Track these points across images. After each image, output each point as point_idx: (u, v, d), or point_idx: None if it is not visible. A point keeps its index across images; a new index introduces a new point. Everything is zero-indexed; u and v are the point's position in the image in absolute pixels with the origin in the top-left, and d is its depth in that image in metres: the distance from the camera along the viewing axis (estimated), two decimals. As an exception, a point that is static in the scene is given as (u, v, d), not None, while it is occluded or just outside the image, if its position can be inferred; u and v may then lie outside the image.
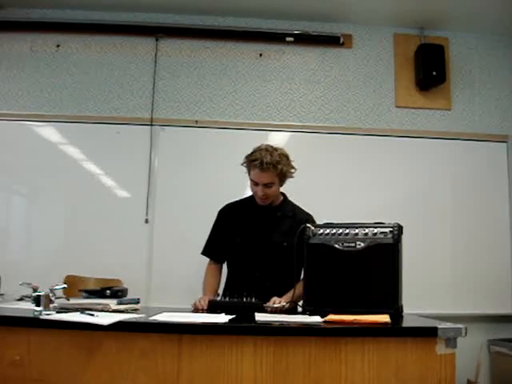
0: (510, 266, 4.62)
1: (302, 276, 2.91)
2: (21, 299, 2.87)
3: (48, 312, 2.25)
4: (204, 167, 4.48)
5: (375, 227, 2.61)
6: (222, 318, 2.27)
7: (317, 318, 2.31)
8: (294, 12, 4.78)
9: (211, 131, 4.60)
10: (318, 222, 2.79)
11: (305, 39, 4.89)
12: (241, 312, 2.49)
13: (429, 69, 4.76)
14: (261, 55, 4.88)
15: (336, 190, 4.59)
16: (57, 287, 2.44)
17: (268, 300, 2.80)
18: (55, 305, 2.39)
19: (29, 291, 2.44)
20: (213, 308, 2.74)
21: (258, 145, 3.16)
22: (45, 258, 4.37)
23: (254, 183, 3.09)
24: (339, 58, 4.94)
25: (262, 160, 3.01)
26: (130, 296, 3.05)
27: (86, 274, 4.06)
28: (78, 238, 4.46)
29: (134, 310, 2.56)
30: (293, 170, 3.21)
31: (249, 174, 3.13)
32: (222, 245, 3.27)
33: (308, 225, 2.72)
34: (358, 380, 2.07)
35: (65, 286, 2.63)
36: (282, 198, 3.32)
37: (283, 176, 3.14)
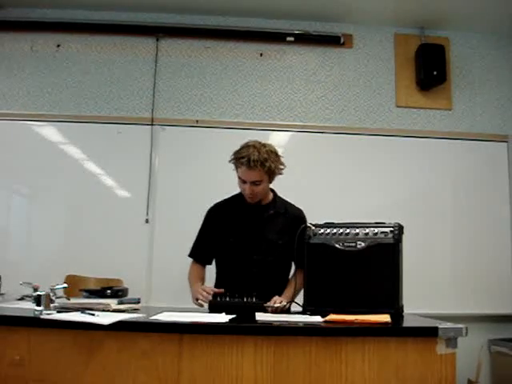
0: (511, 266, 4.62)
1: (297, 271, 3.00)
2: (21, 299, 2.87)
3: (48, 312, 2.25)
4: (204, 167, 4.48)
5: (376, 227, 2.62)
6: (223, 318, 2.27)
7: (317, 318, 2.32)
8: (294, 12, 4.78)
9: (212, 131, 4.60)
10: (319, 221, 2.78)
11: (305, 39, 4.89)
12: (241, 312, 2.48)
13: (429, 69, 4.76)
14: (261, 55, 4.88)
15: (336, 189, 4.59)
16: (57, 287, 2.44)
17: (266, 299, 2.79)
18: (56, 304, 2.39)
19: (29, 291, 2.44)
20: (214, 308, 2.73)
21: (246, 141, 3.08)
22: (45, 258, 4.37)
23: (242, 181, 3.02)
24: (340, 57, 4.94)
25: (250, 157, 2.92)
26: (130, 296, 3.05)
27: (87, 274, 4.05)
28: (78, 238, 4.46)
29: (135, 310, 2.56)
30: (282, 167, 3.10)
31: (236, 172, 3.04)
32: (210, 247, 3.20)
33: (308, 224, 2.72)
34: (358, 380, 2.07)
35: (65, 285, 2.62)
36: (271, 194, 3.23)
37: (272, 173, 3.04)
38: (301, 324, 2.24)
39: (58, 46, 4.79)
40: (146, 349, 2.09)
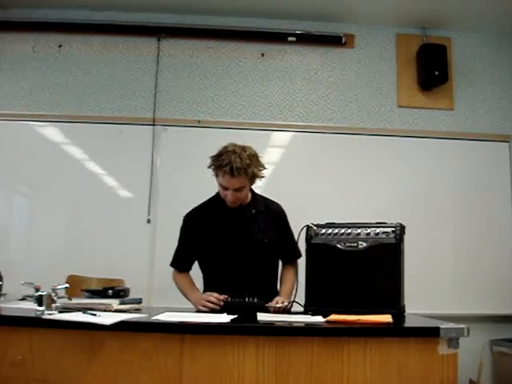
0: (513, 266, 4.63)
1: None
2: (23, 299, 2.87)
3: (50, 312, 2.25)
4: (206, 167, 4.47)
5: (377, 227, 2.62)
6: (224, 318, 2.26)
7: (319, 318, 2.31)
8: (296, 12, 4.78)
9: (213, 131, 4.60)
10: (320, 222, 2.78)
11: (307, 39, 4.89)
12: (243, 312, 2.48)
13: (431, 69, 4.76)
14: (263, 55, 4.88)
15: (338, 189, 4.59)
16: (59, 287, 2.44)
17: (262, 298, 2.78)
18: (57, 305, 2.38)
19: (31, 291, 2.44)
20: (225, 309, 2.70)
21: (224, 145, 2.96)
22: (47, 258, 4.37)
23: (224, 188, 2.92)
24: (341, 57, 4.94)
25: (232, 165, 2.79)
26: (132, 296, 3.04)
27: (88, 274, 4.05)
28: (80, 238, 4.47)
29: (136, 310, 2.56)
30: (263, 170, 3.00)
31: (216, 178, 2.95)
32: (192, 255, 3.14)
33: (310, 225, 2.72)
34: (360, 380, 2.07)
35: (67, 285, 2.62)
36: (250, 193, 3.13)
37: (254, 178, 2.95)
38: (302, 324, 2.24)
39: (60, 46, 4.80)
40: (148, 349, 2.09)
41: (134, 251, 4.41)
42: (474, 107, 4.94)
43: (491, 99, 4.97)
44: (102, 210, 4.50)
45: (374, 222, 2.65)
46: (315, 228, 2.70)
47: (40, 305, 2.26)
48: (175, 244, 3.18)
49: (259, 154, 3.01)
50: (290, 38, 4.86)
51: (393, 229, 2.59)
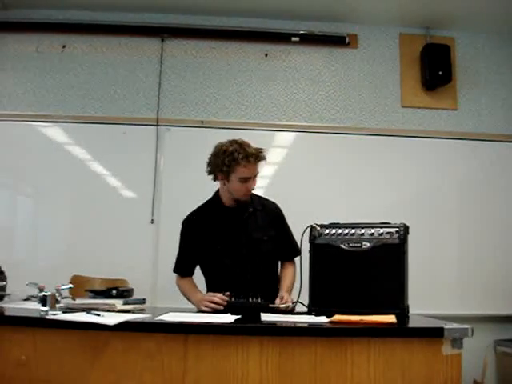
0: (517, 267, 4.62)
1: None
2: (27, 299, 2.87)
3: (54, 312, 2.25)
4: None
5: (381, 227, 2.61)
6: (228, 319, 2.26)
7: (323, 319, 2.31)
8: (299, 12, 4.78)
9: (217, 131, 4.59)
10: (324, 222, 2.77)
11: (310, 39, 4.89)
12: (247, 312, 2.48)
13: (435, 69, 4.75)
14: (266, 55, 4.88)
15: (341, 189, 4.59)
16: (63, 287, 2.45)
17: (265, 298, 2.78)
18: (61, 305, 2.39)
19: (35, 291, 2.45)
20: (229, 309, 2.70)
21: (217, 145, 3.03)
22: (51, 258, 4.38)
23: (244, 180, 2.93)
24: (345, 58, 4.94)
25: (253, 152, 2.90)
26: (135, 296, 3.06)
27: (92, 274, 4.06)
28: (83, 239, 4.47)
29: (140, 310, 2.56)
30: None
31: (228, 176, 2.94)
32: (194, 259, 3.15)
33: (314, 225, 2.71)
34: (364, 380, 2.07)
35: (71, 286, 2.63)
36: None
37: None
38: (306, 324, 2.24)
39: (64, 46, 4.80)
40: (152, 349, 2.09)
41: (137, 251, 4.42)
42: (477, 107, 4.93)
43: (495, 99, 4.96)
44: (106, 211, 4.50)
45: (378, 222, 2.65)
46: (319, 228, 2.70)
47: (44, 305, 2.27)
48: (178, 247, 3.17)
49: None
50: (293, 39, 4.86)
51: (396, 229, 2.58)
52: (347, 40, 4.90)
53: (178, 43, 4.85)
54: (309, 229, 2.73)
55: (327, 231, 2.68)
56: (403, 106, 4.90)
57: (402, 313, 2.48)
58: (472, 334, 2.10)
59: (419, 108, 4.89)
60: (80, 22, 4.78)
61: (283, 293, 2.88)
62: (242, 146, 2.93)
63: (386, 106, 4.89)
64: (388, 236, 2.57)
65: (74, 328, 2.10)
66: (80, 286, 3.66)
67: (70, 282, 3.47)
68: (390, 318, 2.23)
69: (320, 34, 4.88)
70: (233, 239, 3.03)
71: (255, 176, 2.98)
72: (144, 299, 2.77)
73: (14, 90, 4.73)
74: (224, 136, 3.02)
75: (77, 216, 4.59)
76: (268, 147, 4.46)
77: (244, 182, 2.95)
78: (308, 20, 4.88)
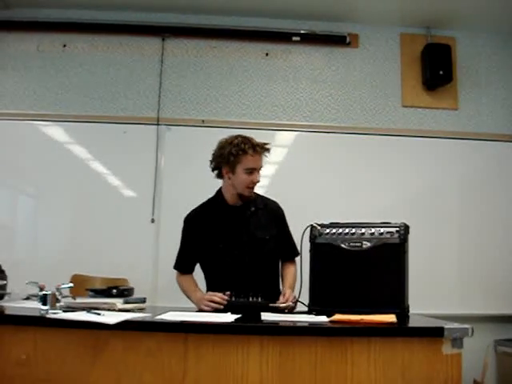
0: (517, 267, 4.62)
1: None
2: (27, 298, 2.88)
3: (54, 311, 2.25)
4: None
5: (381, 227, 2.61)
6: (228, 318, 2.26)
7: (323, 318, 2.31)
8: (300, 11, 4.78)
9: (218, 131, 4.55)
10: (324, 221, 2.78)
11: (311, 39, 4.89)
12: (247, 312, 2.48)
13: (435, 68, 4.75)
14: (267, 55, 4.88)
15: (342, 189, 4.59)
16: (63, 286, 2.45)
17: (266, 297, 2.77)
18: (62, 304, 2.39)
19: (35, 290, 2.44)
20: (230, 308, 2.69)
21: (221, 140, 3.11)
22: (51, 257, 4.38)
23: (250, 172, 2.95)
24: (346, 57, 4.94)
25: (259, 143, 2.98)
26: (136, 295, 3.06)
27: (93, 273, 4.06)
28: (84, 238, 4.47)
29: (140, 310, 2.57)
30: None
31: (234, 167, 2.95)
32: (194, 257, 3.14)
33: (314, 224, 2.71)
34: (364, 380, 2.07)
35: (71, 285, 2.63)
36: None
37: None
38: (306, 324, 2.24)
39: (64, 46, 4.80)
40: (152, 348, 2.09)
41: (138, 251, 4.42)
42: (478, 107, 4.93)
43: (496, 99, 4.96)
44: (106, 210, 4.50)
45: (378, 221, 2.65)
46: (319, 228, 2.70)
47: (44, 304, 2.27)
48: (179, 243, 3.17)
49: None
50: (294, 38, 4.86)
51: (397, 229, 2.58)
52: (348, 40, 4.90)
53: (179, 42, 4.85)
54: (309, 228, 2.73)
55: (327, 231, 2.68)
56: (404, 106, 4.90)
57: (403, 312, 2.48)
58: (472, 334, 2.10)
59: (420, 108, 4.89)
60: (81, 21, 4.78)
61: (286, 289, 2.88)
62: (246, 137, 3.01)
63: (386, 106, 4.88)
64: (388, 236, 2.57)
65: (74, 327, 2.10)
66: (80, 285, 3.66)
67: (71, 281, 3.47)
68: (391, 318, 2.23)
69: (321, 33, 4.88)
70: (235, 238, 3.02)
71: (260, 169, 3.00)
72: (144, 298, 2.77)
73: (14, 89, 4.73)
74: (225, 135, 3.03)
75: (77, 215, 4.59)
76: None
77: (250, 174, 2.95)
78: (309, 19, 4.88)
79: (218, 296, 2.76)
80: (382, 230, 2.60)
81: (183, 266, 3.17)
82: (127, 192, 4.60)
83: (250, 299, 2.74)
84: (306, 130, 4.75)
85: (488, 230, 4.63)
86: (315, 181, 4.54)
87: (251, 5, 4.71)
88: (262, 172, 3.07)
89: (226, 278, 3.00)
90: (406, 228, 2.61)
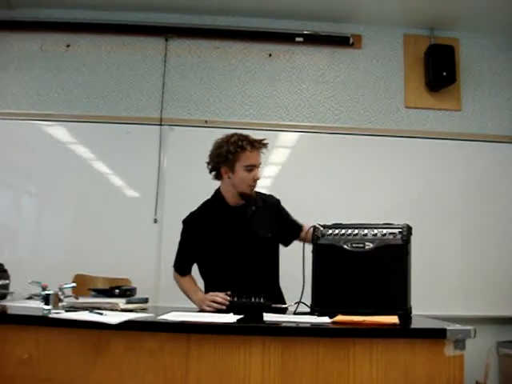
0: (520, 268, 4.61)
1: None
2: (30, 298, 2.88)
3: (57, 311, 2.25)
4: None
5: (384, 228, 2.60)
6: (231, 318, 2.26)
7: (325, 319, 2.31)
8: (303, 12, 4.78)
9: (220, 131, 4.49)
10: (327, 222, 2.77)
11: (314, 39, 4.89)
12: (249, 312, 2.47)
13: (438, 69, 4.75)
14: (270, 55, 4.88)
15: (345, 190, 4.59)
16: (66, 286, 2.44)
17: (269, 298, 2.75)
18: (64, 303, 2.38)
19: (38, 290, 2.44)
20: (232, 309, 2.68)
21: (217, 140, 3.13)
22: (54, 257, 4.38)
23: (250, 169, 2.92)
24: (349, 58, 4.94)
25: (256, 139, 2.96)
26: (138, 295, 3.05)
27: (95, 273, 4.06)
28: (87, 237, 4.48)
29: (143, 310, 2.57)
30: None
31: (233, 166, 2.93)
32: (193, 259, 3.12)
33: (316, 225, 2.71)
34: (366, 381, 2.06)
35: (74, 284, 2.63)
36: None
37: None
38: (309, 325, 2.23)
39: (68, 46, 4.81)
40: (154, 348, 2.09)
41: (140, 251, 4.42)
42: (481, 108, 4.93)
43: (499, 100, 4.96)
44: (109, 210, 4.51)
45: (381, 222, 2.65)
46: (322, 229, 2.70)
47: (47, 304, 2.27)
48: (177, 245, 3.17)
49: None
50: (297, 39, 4.87)
51: (400, 230, 2.58)
52: (351, 40, 4.90)
53: (182, 43, 4.86)
54: (312, 229, 2.73)
55: (330, 231, 2.67)
56: (407, 107, 4.90)
57: (405, 314, 2.47)
58: (475, 336, 2.09)
59: (423, 109, 4.89)
60: (84, 21, 4.79)
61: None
62: (243, 135, 3.01)
63: (389, 107, 4.88)
64: (391, 237, 2.57)
65: (76, 327, 2.10)
66: (83, 284, 3.65)
67: (73, 281, 3.47)
68: (393, 319, 2.22)
69: (324, 34, 4.88)
70: (239, 239, 2.99)
71: (259, 166, 2.98)
72: (147, 298, 2.77)
73: (18, 88, 4.74)
74: (228, 136, 3.04)
75: (80, 215, 4.59)
76: (271, 147, 4.46)
77: (250, 171, 2.93)
78: (312, 20, 4.88)
79: (220, 296, 2.75)
80: (384, 231, 2.59)
81: (182, 268, 3.17)
82: (130, 192, 4.61)
83: (253, 300, 2.74)
84: (308, 130, 4.75)
85: (491, 232, 4.63)
86: (318, 181, 4.54)
87: (254, 5, 4.71)
88: (265, 173, 3.07)
89: (228, 278, 2.97)
90: (409, 229, 2.61)
